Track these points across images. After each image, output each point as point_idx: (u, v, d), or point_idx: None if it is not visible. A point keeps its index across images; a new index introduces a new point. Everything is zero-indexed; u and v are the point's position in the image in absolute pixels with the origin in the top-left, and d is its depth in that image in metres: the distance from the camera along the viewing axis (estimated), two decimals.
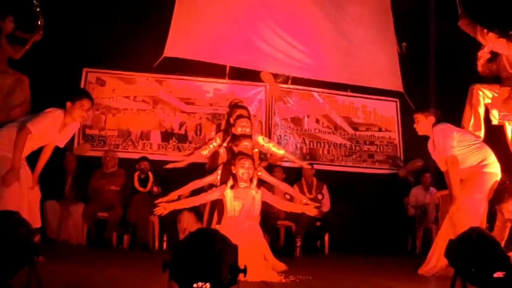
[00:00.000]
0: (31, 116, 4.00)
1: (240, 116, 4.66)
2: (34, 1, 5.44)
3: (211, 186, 4.53)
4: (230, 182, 4.04)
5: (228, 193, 4.01)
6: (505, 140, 4.81)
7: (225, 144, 4.66)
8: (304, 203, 4.53)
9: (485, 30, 4.67)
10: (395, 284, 3.71)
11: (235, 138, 4.41)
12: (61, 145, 4.30)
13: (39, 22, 5.50)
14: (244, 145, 4.28)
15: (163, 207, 4.00)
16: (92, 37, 6.63)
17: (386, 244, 6.67)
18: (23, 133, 3.80)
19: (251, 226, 4.00)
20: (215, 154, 4.78)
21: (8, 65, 5.52)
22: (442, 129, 4.24)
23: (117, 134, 6.91)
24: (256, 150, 4.76)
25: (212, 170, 4.60)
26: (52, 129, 4.00)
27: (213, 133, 5.28)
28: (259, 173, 4.40)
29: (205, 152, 4.83)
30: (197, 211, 5.65)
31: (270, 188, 5.33)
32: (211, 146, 4.83)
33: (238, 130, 4.52)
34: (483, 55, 4.92)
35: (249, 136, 4.44)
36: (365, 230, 6.91)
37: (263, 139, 4.89)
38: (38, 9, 5.45)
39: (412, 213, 7.03)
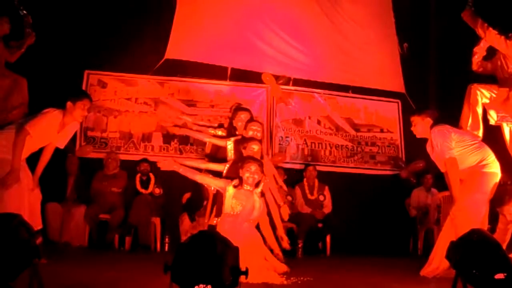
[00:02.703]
0: (29, 118, 4.00)
1: (251, 120, 4.69)
2: (17, 4, 5.28)
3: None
4: (235, 182, 4.04)
5: (229, 190, 4.02)
6: (503, 140, 4.79)
7: (233, 139, 4.66)
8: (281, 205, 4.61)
9: (486, 24, 4.62)
10: (397, 286, 3.72)
11: (244, 141, 4.42)
12: (61, 146, 4.30)
13: (27, 23, 5.34)
14: (252, 148, 4.30)
15: (171, 162, 4.14)
16: (94, 39, 6.64)
17: (387, 246, 6.65)
18: (22, 134, 3.81)
19: (250, 226, 4.01)
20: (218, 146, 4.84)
21: (5, 67, 5.36)
22: (439, 130, 4.21)
23: (119, 136, 6.91)
24: None
25: (212, 158, 4.64)
26: (50, 130, 4.01)
27: (211, 129, 5.28)
28: (267, 180, 4.39)
29: (212, 131, 4.99)
30: (190, 211, 5.70)
31: None
32: (218, 132, 4.99)
33: (249, 133, 4.53)
34: (479, 51, 4.86)
35: (259, 140, 4.46)
36: (367, 231, 6.91)
37: None
38: (24, 12, 5.32)
39: (413, 214, 7.01)
